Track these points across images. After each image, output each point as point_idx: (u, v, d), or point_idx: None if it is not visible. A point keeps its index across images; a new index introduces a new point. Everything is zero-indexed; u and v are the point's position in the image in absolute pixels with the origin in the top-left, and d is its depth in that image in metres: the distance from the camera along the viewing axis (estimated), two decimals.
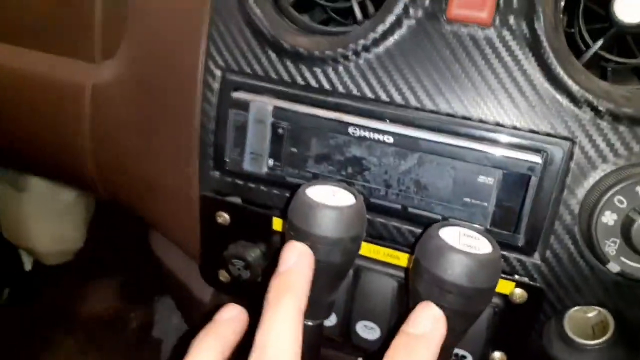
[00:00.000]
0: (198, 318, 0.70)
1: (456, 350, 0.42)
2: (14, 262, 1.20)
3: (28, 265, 1.22)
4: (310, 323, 0.35)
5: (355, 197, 0.33)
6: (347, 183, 0.41)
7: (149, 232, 0.69)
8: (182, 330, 1.08)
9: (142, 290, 1.26)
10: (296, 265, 0.31)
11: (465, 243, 0.31)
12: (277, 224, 0.45)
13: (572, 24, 0.41)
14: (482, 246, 0.31)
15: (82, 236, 1.20)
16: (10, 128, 0.60)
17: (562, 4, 0.37)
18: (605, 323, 0.44)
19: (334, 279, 0.34)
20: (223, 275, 0.50)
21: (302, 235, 0.31)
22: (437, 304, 0.29)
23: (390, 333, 0.40)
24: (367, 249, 0.43)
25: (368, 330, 0.44)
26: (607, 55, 0.38)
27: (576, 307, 0.42)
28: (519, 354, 0.43)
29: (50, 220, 1.12)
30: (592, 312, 0.44)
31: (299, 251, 0.31)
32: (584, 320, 0.45)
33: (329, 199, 0.32)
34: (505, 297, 0.40)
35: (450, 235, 0.31)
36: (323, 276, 0.32)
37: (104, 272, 1.27)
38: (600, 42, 0.37)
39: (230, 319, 0.32)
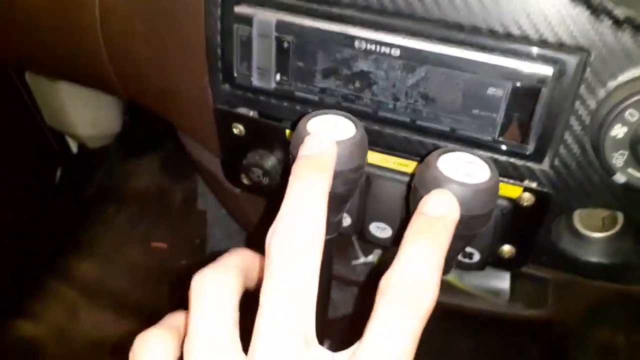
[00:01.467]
0: (232, 205, 0.75)
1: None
2: (61, 146, 1.27)
3: (74, 149, 1.29)
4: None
5: (356, 128, 0.33)
6: (356, 97, 0.41)
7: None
8: None
9: (182, 165, 1.33)
10: (326, 150, 0.31)
11: (463, 171, 0.31)
12: (291, 134, 0.46)
13: None
14: (480, 173, 0.32)
15: (119, 120, 1.24)
16: (36, 43, 0.61)
17: None
18: (615, 215, 0.45)
19: (339, 204, 0.35)
20: (245, 180, 0.53)
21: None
22: None
23: (400, 233, 0.43)
24: (378, 158, 0.44)
25: (381, 230, 0.46)
26: None
27: None
28: (528, 247, 0.46)
29: (87, 107, 1.15)
30: None
31: (327, 142, 0.31)
32: (594, 213, 0.46)
33: (329, 132, 0.33)
34: (513, 201, 0.42)
35: (448, 163, 0.32)
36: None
37: (144, 151, 1.34)
38: None
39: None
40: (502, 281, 0.82)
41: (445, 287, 0.83)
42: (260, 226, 0.70)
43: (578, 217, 0.46)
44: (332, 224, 0.37)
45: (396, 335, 0.23)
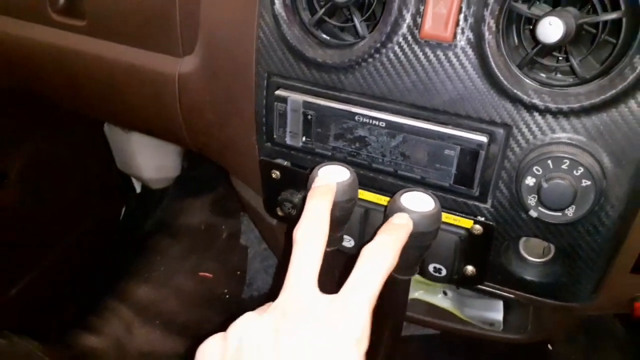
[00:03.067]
0: (269, 235, 0.93)
1: (434, 265, 0.60)
2: (127, 187, 1.49)
3: (138, 189, 1.51)
4: (327, 249, 0.55)
5: (350, 173, 0.51)
6: (357, 154, 0.59)
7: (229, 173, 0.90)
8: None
9: (230, 207, 1.53)
10: (328, 184, 0.49)
11: (416, 204, 0.48)
12: None
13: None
14: (428, 205, 0.48)
15: (178, 166, 1.46)
16: (125, 105, 0.82)
17: (504, 27, 0.50)
18: (550, 246, 0.60)
19: (338, 224, 0.52)
20: (279, 212, 0.70)
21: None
22: None
23: None
24: (373, 197, 0.61)
25: None
26: (539, 60, 0.51)
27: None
28: (484, 267, 0.61)
29: (153, 154, 1.37)
30: None
31: (329, 180, 0.49)
32: (537, 243, 0.61)
33: (331, 177, 0.50)
34: (468, 230, 0.58)
35: (407, 199, 0.49)
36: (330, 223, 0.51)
37: (198, 193, 1.55)
38: (534, 51, 0.50)
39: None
40: (497, 313, 0.95)
41: (450, 316, 0.98)
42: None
43: (523, 246, 0.61)
44: (334, 240, 0.54)
45: (367, 278, 0.40)
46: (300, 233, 0.44)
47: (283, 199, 0.67)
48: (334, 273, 0.57)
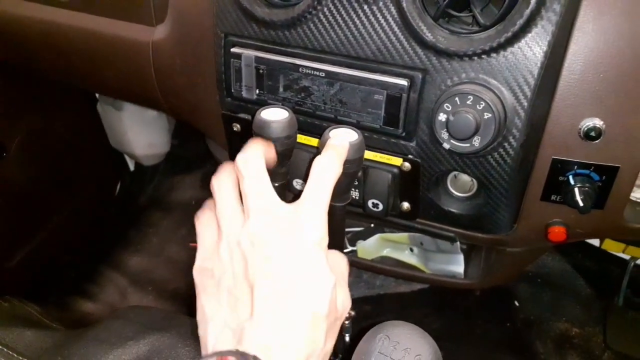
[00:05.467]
0: None
1: (372, 200, 0.68)
2: (121, 164, 1.58)
3: (131, 166, 1.60)
4: (276, 184, 0.63)
5: (289, 114, 0.59)
6: (303, 102, 0.67)
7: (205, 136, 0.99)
8: None
9: None
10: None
11: (344, 136, 0.56)
12: None
13: None
14: (353, 137, 0.56)
15: (168, 142, 1.54)
16: (105, 73, 0.91)
17: None
18: (473, 182, 0.68)
19: (282, 159, 0.60)
20: None
21: (259, 136, 0.58)
22: None
23: None
24: (317, 142, 0.69)
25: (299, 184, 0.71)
26: (450, 11, 0.59)
27: (456, 172, 0.67)
28: (418, 203, 0.69)
29: (143, 131, 1.46)
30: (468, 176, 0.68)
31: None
32: (465, 180, 0.69)
33: (273, 116, 0.58)
34: (398, 167, 0.66)
35: (336, 133, 0.57)
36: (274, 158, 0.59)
37: (188, 171, 1.63)
38: (444, 3, 0.58)
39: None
40: (458, 266, 1.03)
41: (417, 271, 1.05)
42: None
43: (451, 183, 0.69)
44: (279, 174, 0.62)
45: (318, 187, 0.48)
46: (241, 170, 0.50)
47: None
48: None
